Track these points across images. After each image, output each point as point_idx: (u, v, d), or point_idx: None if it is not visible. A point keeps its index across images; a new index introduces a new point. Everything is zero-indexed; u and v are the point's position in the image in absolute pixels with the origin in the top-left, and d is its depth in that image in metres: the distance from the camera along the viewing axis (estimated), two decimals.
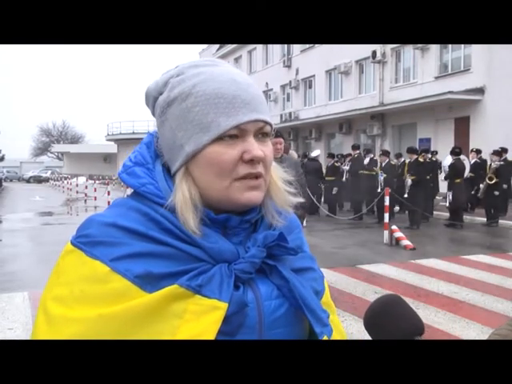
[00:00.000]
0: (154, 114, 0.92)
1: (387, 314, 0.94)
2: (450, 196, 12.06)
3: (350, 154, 16.07)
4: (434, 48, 19.83)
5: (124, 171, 0.90)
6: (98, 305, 0.78)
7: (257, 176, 0.85)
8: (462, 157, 12.74)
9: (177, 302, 0.79)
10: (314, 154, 15.63)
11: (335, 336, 0.93)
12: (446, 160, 13.20)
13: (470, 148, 15.74)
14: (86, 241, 0.83)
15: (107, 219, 0.84)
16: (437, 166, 14.46)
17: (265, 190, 0.89)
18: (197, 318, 0.79)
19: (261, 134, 0.87)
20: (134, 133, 45.00)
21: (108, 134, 48.96)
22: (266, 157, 0.86)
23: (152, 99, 0.92)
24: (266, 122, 0.87)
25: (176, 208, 0.83)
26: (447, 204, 12.25)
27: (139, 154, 0.91)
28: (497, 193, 12.28)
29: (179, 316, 0.79)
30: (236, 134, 0.84)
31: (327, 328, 0.91)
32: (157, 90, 0.90)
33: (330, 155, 16.32)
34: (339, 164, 16.15)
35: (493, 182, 12.42)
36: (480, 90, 17.77)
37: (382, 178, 13.00)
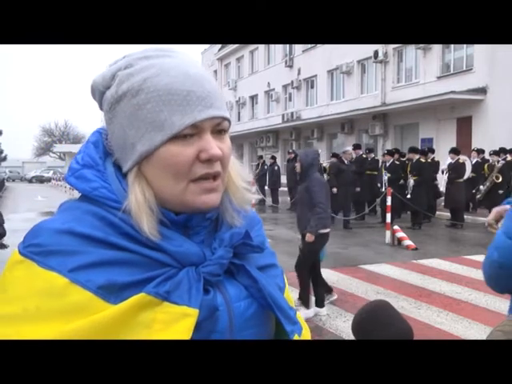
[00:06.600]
0: (101, 108, 0.85)
1: (375, 320, 0.93)
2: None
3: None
4: (436, 48, 19.79)
5: (71, 175, 0.83)
6: (57, 321, 0.71)
7: (214, 176, 0.81)
8: (463, 157, 12.73)
9: (144, 311, 0.74)
10: None
11: (304, 333, 0.91)
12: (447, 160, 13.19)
13: (472, 148, 15.72)
14: (38, 250, 0.75)
15: (61, 226, 0.77)
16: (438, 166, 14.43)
17: (222, 190, 0.84)
18: (166, 328, 0.73)
19: (218, 130, 0.82)
20: None
21: None
22: (224, 154, 0.81)
23: (98, 93, 0.84)
24: (224, 118, 0.82)
25: (131, 212, 0.77)
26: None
27: (86, 154, 0.84)
28: (501, 191, 12.28)
29: (147, 326, 0.73)
30: (191, 133, 0.78)
31: (297, 326, 0.88)
32: (103, 83, 0.83)
33: (334, 155, 16.31)
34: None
35: (499, 180, 12.44)
36: (482, 90, 17.72)
37: (386, 177, 12.95)
